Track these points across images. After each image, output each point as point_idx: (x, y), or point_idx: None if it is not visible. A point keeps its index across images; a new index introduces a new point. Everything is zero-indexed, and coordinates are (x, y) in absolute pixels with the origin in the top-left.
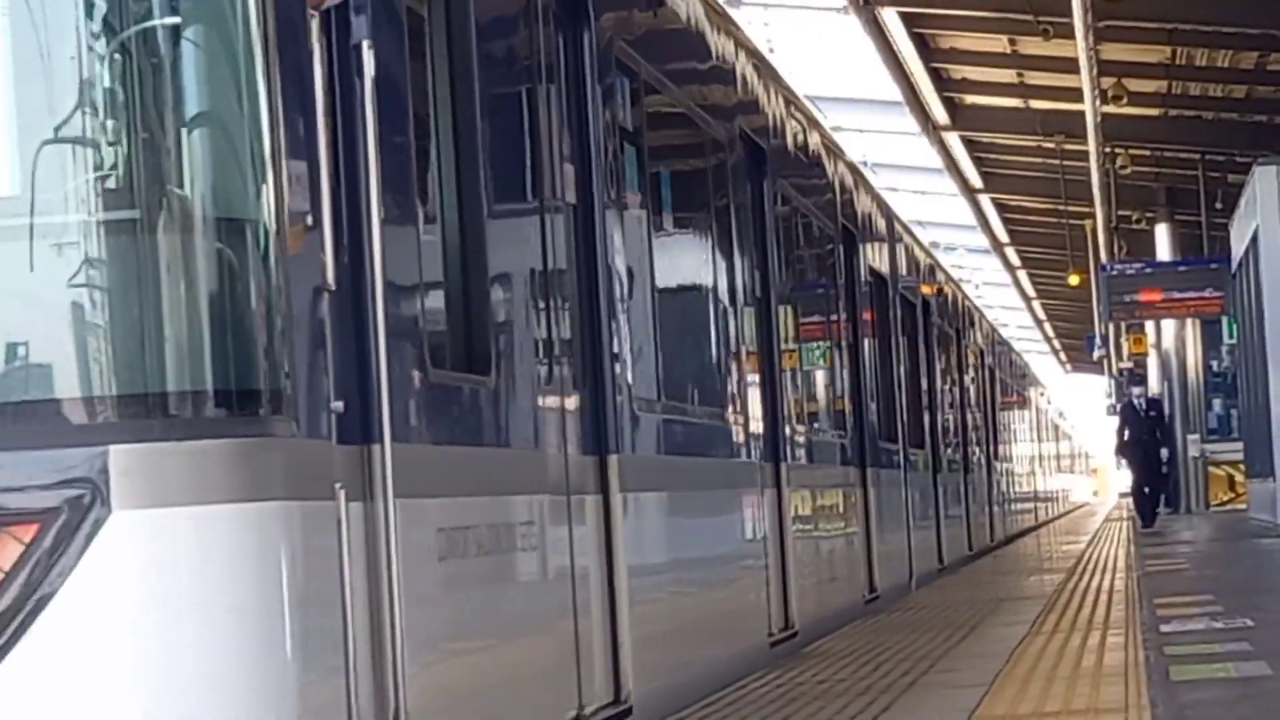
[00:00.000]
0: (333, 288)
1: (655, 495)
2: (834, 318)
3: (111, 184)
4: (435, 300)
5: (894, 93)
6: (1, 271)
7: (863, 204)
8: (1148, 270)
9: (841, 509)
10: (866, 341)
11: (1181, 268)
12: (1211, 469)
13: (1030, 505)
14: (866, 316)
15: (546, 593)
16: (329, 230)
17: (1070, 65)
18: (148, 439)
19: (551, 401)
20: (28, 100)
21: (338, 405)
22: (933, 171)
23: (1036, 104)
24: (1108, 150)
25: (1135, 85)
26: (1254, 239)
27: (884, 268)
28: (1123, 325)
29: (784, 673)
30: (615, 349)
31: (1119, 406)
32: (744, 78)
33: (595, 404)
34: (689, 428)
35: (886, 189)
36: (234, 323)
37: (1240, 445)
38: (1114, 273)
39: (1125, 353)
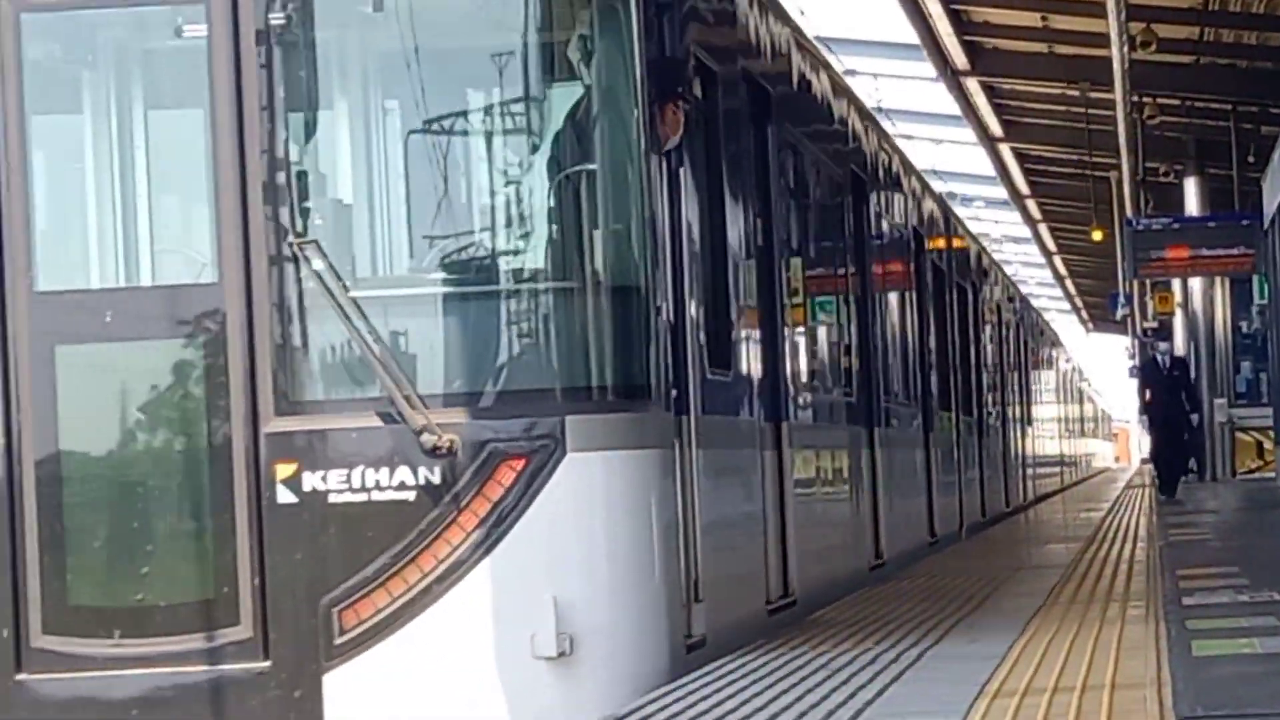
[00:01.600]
0: (670, 322)
1: (811, 451)
2: (842, 271)
3: (561, 262)
4: (708, 325)
5: (911, 35)
6: (513, 315)
7: (874, 150)
8: (1175, 226)
9: (845, 471)
10: (876, 296)
11: (1211, 224)
12: (1239, 435)
13: (1049, 470)
14: (877, 270)
15: (753, 517)
16: (668, 285)
17: (1097, 9)
18: (585, 413)
19: (753, 387)
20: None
21: (674, 392)
22: (950, 119)
23: (1061, 49)
24: (1135, 99)
25: (1165, 31)
26: None
27: (897, 219)
28: (1148, 283)
29: (783, 642)
30: (783, 347)
31: (1140, 364)
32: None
33: (773, 387)
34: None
35: (901, 137)
36: (631, 347)
37: (1269, 411)
38: (1140, 228)
39: (1150, 312)
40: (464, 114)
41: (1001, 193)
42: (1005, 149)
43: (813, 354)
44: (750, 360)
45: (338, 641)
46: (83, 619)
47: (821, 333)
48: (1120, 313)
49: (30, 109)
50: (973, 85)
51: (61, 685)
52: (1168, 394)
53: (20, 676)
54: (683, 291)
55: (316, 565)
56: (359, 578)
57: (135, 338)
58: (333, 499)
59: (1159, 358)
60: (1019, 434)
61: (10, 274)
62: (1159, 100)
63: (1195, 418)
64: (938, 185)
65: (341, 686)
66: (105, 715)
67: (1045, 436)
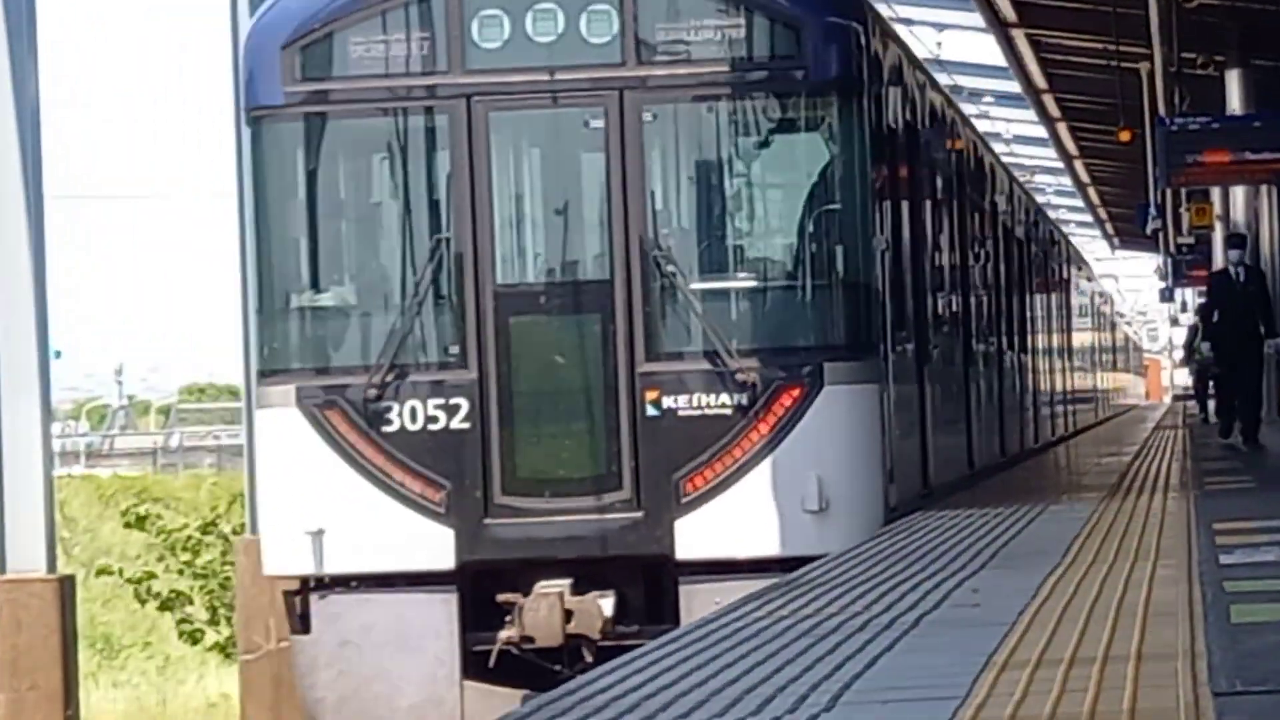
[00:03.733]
0: (882, 304)
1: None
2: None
3: (820, 268)
4: (893, 304)
5: None
6: (790, 300)
7: (967, 144)
8: (1215, 125)
9: (947, 397)
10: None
11: (1257, 123)
12: None
13: (1070, 407)
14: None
15: (915, 429)
16: (878, 281)
17: None
18: (835, 360)
19: (912, 345)
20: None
21: (882, 348)
22: (956, 1)
23: None
24: None
25: None
26: None
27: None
28: (1183, 192)
29: (770, 601)
30: (919, 314)
31: (1208, 277)
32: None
33: (919, 342)
34: None
35: (898, 20)
36: (860, 320)
37: None
38: (1174, 128)
39: (1185, 226)
40: (756, 174)
41: (1015, 87)
42: (1019, 35)
43: (934, 316)
44: (909, 327)
45: (682, 501)
46: (526, 484)
47: (933, 299)
48: (1150, 226)
49: (494, 176)
50: None
51: (512, 528)
52: (1241, 315)
53: (487, 521)
54: (884, 283)
55: (670, 454)
56: (695, 462)
57: (559, 313)
58: (680, 413)
59: (1232, 269)
60: (1035, 367)
61: (481, 275)
62: None
63: (1273, 345)
64: (942, 79)
65: (685, 529)
66: (539, 549)
67: (1065, 369)
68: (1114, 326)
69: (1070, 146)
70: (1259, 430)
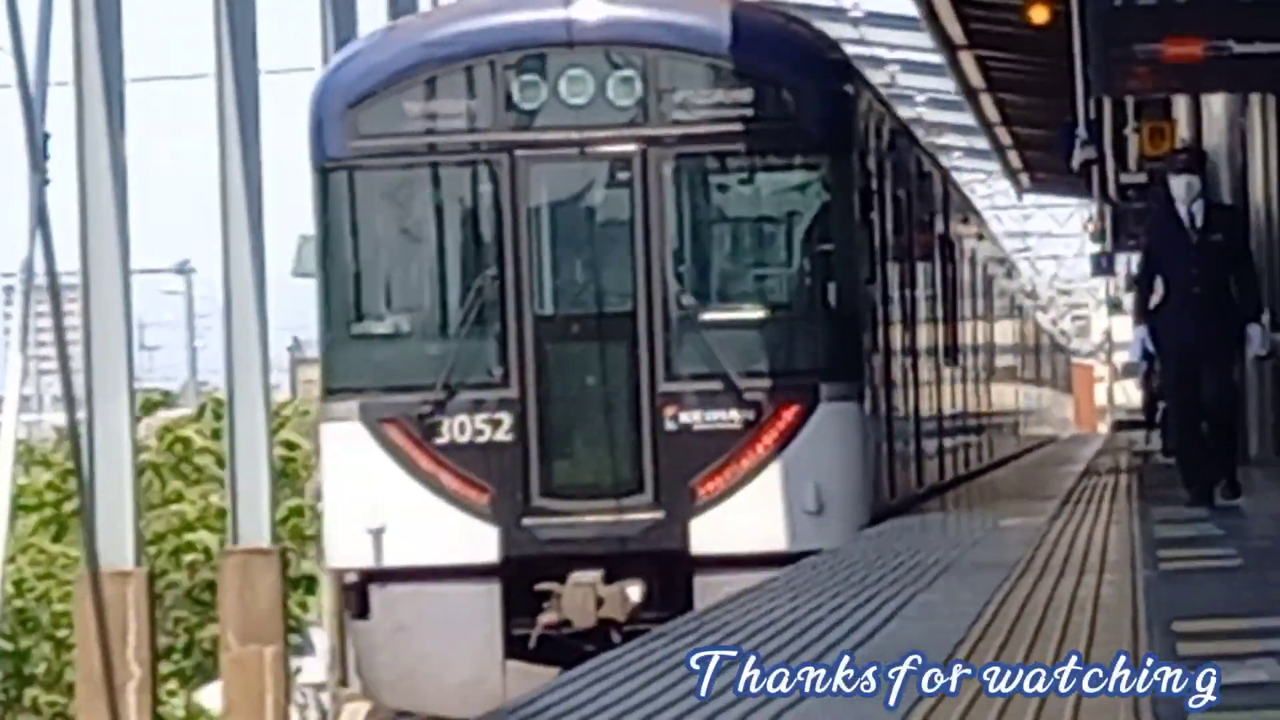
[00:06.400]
0: (867, 332)
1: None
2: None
3: (815, 300)
4: (873, 331)
5: None
6: (791, 329)
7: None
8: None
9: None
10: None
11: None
12: None
13: (943, 442)
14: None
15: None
16: (865, 311)
17: None
18: (830, 381)
19: (889, 368)
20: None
21: (867, 372)
22: None
23: None
24: None
25: None
26: None
27: (872, 166)
28: (1130, 105)
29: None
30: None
31: (1146, 213)
32: None
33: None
34: None
35: None
36: (850, 347)
37: None
38: (1117, 2)
39: (1133, 157)
40: (760, 219)
41: None
42: None
43: (897, 343)
44: (886, 353)
45: (696, 504)
46: (561, 489)
47: (894, 327)
48: (1079, 157)
49: (533, 219)
50: None
51: (549, 527)
52: (1201, 285)
53: (526, 521)
54: (872, 314)
55: (686, 462)
56: (708, 469)
57: (589, 339)
58: (695, 427)
59: (1182, 209)
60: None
61: (522, 306)
62: None
63: (1255, 333)
64: None
65: (699, 528)
66: (572, 545)
67: (933, 382)
68: (1020, 314)
69: (955, 34)
70: (1236, 474)
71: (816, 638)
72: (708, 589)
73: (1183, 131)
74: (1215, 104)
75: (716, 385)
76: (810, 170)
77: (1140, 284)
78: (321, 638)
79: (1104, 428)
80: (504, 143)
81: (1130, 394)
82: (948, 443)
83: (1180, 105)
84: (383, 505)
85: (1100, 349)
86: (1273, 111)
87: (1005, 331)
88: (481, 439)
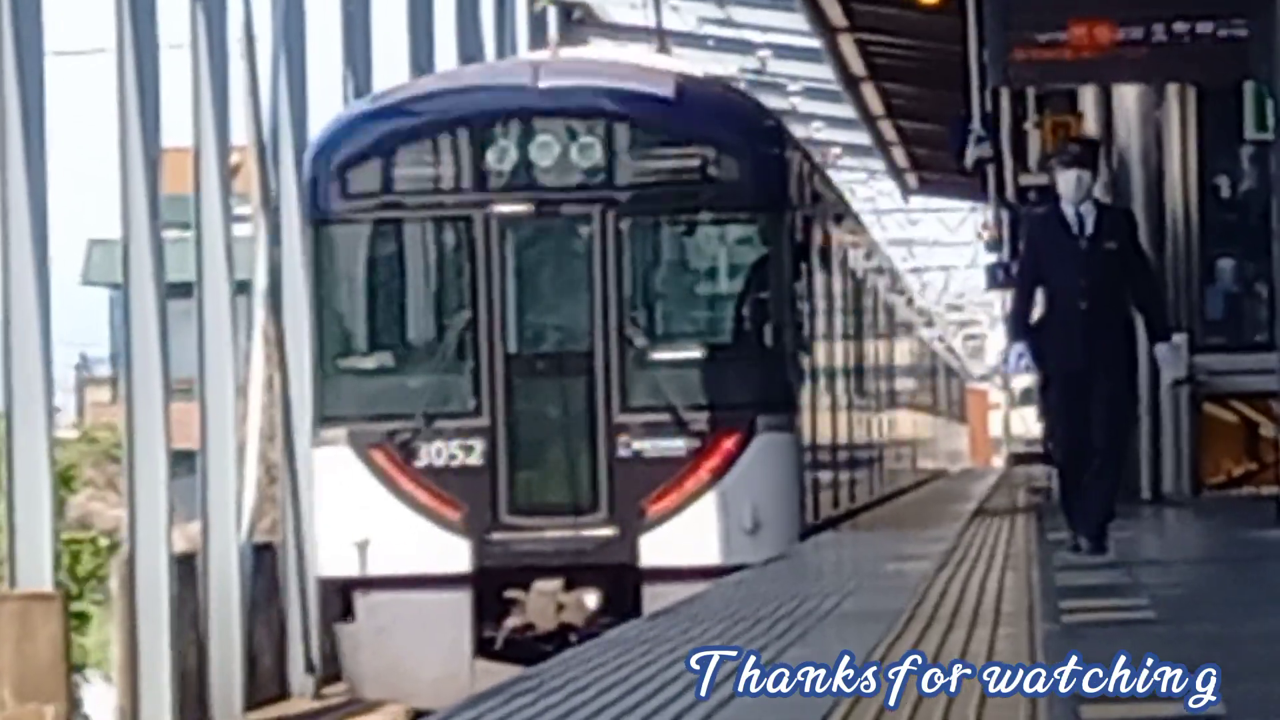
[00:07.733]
0: (800, 368)
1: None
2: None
3: (754, 340)
4: (806, 367)
5: None
6: (732, 366)
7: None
8: None
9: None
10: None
11: None
12: (1208, 408)
13: (857, 474)
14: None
15: (821, 469)
16: (800, 349)
17: None
18: (766, 413)
19: (820, 400)
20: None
21: (800, 404)
22: None
23: None
24: None
25: None
26: None
27: (803, 221)
28: (1030, 96)
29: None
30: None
31: (1020, 219)
32: None
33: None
34: None
35: None
36: (785, 382)
37: (1277, 358)
38: None
39: (1034, 155)
40: (705, 269)
41: None
42: None
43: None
44: (813, 388)
45: (646, 521)
46: (526, 507)
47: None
48: (973, 155)
49: (505, 268)
50: None
51: (515, 541)
52: (1092, 299)
53: (494, 535)
54: (802, 351)
55: (637, 485)
56: (657, 491)
57: (553, 375)
58: (646, 454)
59: (1070, 211)
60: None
61: (494, 345)
62: None
63: (1167, 355)
64: None
65: (649, 543)
66: (534, 559)
67: (844, 416)
68: (918, 340)
69: (833, 15)
70: (1109, 520)
71: (670, 699)
72: (656, 597)
73: (1090, 128)
74: (1128, 96)
75: (665, 416)
76: (749, 225)
77: (1018, 294)
78: (108, 696)
79: (999, 461)
80: (478, 201)
81: (1029, 423)
82: (857, 473)
83: (1088, 98)
84: (367, 520)
85: (996, 372)
86: (1192, 105)
87: (904, 359)
88: (456, 462)
